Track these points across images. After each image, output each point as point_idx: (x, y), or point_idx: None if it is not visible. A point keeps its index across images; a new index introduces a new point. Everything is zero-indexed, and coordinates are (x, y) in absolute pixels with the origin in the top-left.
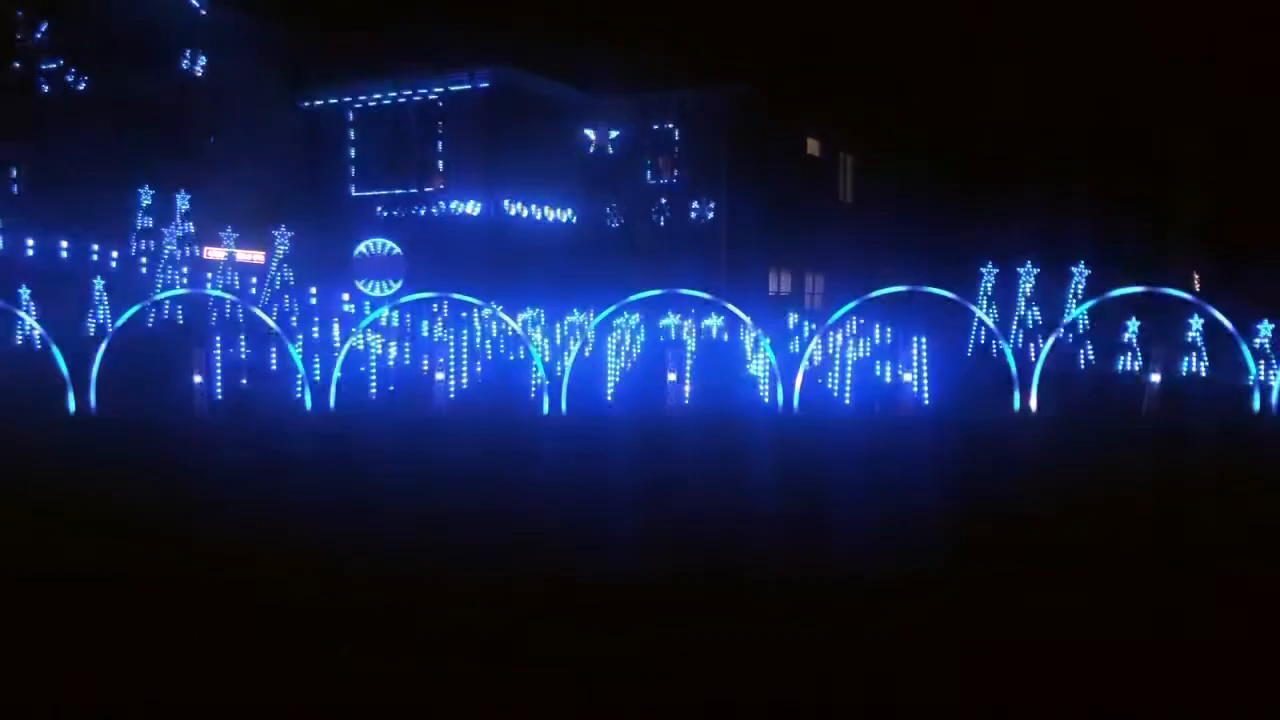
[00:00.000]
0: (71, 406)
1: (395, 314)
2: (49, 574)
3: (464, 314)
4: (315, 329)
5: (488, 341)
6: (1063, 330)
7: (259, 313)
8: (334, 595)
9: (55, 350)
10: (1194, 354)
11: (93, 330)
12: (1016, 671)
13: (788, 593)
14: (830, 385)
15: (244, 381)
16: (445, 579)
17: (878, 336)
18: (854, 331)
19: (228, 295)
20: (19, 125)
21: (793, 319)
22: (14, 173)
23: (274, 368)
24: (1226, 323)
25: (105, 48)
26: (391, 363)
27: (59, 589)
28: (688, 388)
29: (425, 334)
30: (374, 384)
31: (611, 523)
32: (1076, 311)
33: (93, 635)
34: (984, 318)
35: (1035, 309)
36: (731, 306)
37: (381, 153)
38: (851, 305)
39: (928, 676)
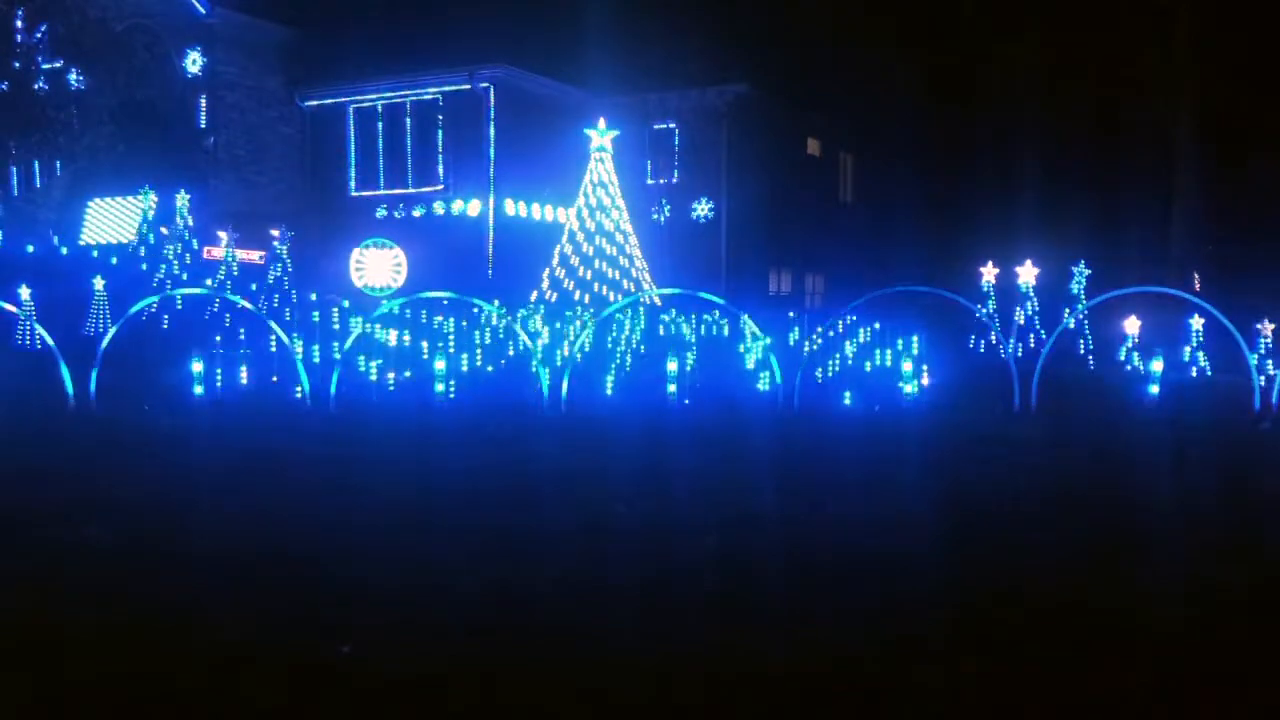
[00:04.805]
0: (70, 405)
1: (394, 312)
2: (50, 576)
3: (467, 321)
4: (314, 327)
5: (487, 330)
6: (1062, 330)
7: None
8: (333, 594)
9: (55, 349)
10: (1194, 354)
11: (93, 330)
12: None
13: (787, 593)
14: (829, 379)
15: (244, 381)
16: (445, 576)
17: (868, 332)
18: (852, 321)
19: (227, 295)
20: (19, 125)
21: (791, 316)
22: (14, 172)
23: (274, 367)
24: (1227, 323)
25: (105, 48)
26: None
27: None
28: (689, 376)
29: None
30: (374, 374)
31: (611, 520)
32: (1076, 311)
33: (93, 637)
34: (984, 317)
35: (1035, 308)
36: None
37: (382, 153)
38: (855, 304)
39: (928, 681)
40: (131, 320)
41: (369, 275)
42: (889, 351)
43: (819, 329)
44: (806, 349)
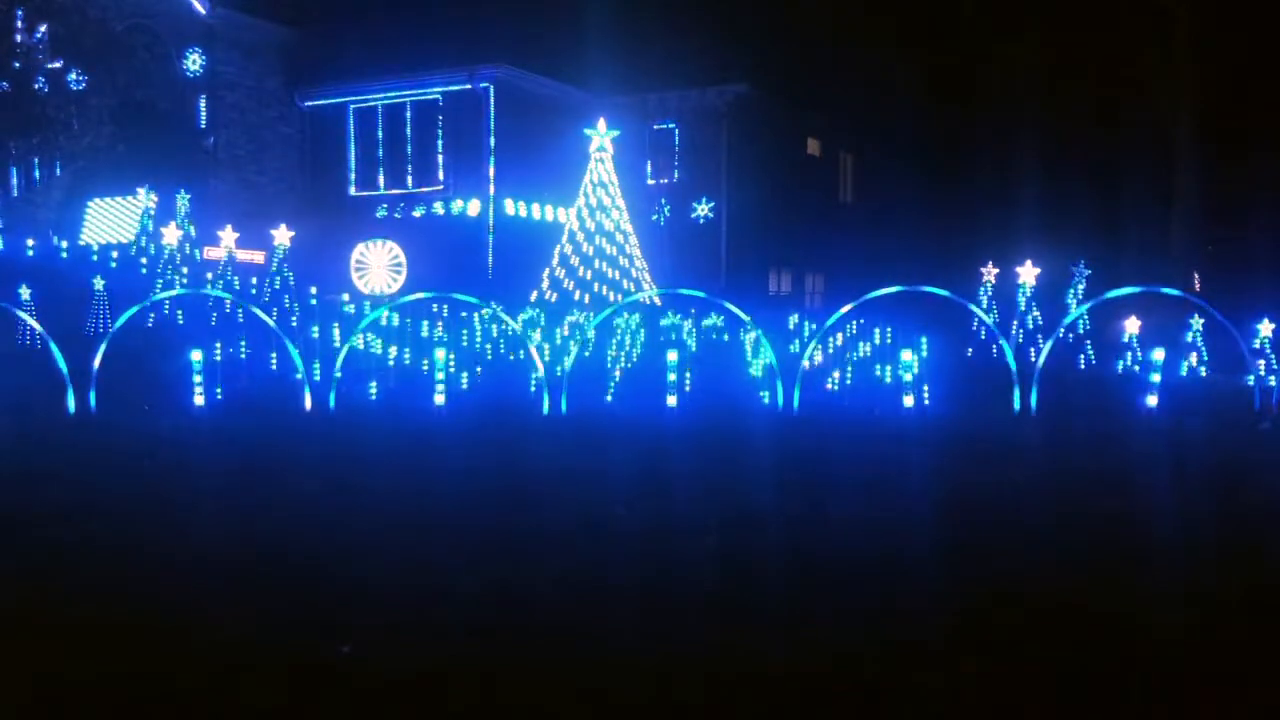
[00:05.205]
0: (71, 407)
1: (395, 315)
2: (50, 575)
3: (463, 314)
4: (315, 330)
5: (488, 345)
6: (1063, 330)
7: (258, 312)
8: (333, 594)
9: (55, 350)
10: (1193, 353)
11: (92, 330)
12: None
13: (787, 593)
14: (830, 386)
15: (244, 382)
16: (445, 576)
17: (877, 338)
18: (853, 332)
19: (227, 295)
20: (19, 125)
21: (793, 320)
22: (14, 172)
23: (274, 368)
24: (1227, 323)
25: (105, 48)
26: (391, 362)
27: (55, 592)
28: (688, 386)
29: (424, 334)
30: (374, 386)
31: (610, 521)
32: (1076, 312)
33: (93, 637)
34: (984, 316)
35: (1035, 309)
36: (731, 306)
37: (382, 153)
38: (850, 306)
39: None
40: (131, 321)
41: (369, 276)
42: (889, 368)
43: (814, 342)
44: (806, 359)
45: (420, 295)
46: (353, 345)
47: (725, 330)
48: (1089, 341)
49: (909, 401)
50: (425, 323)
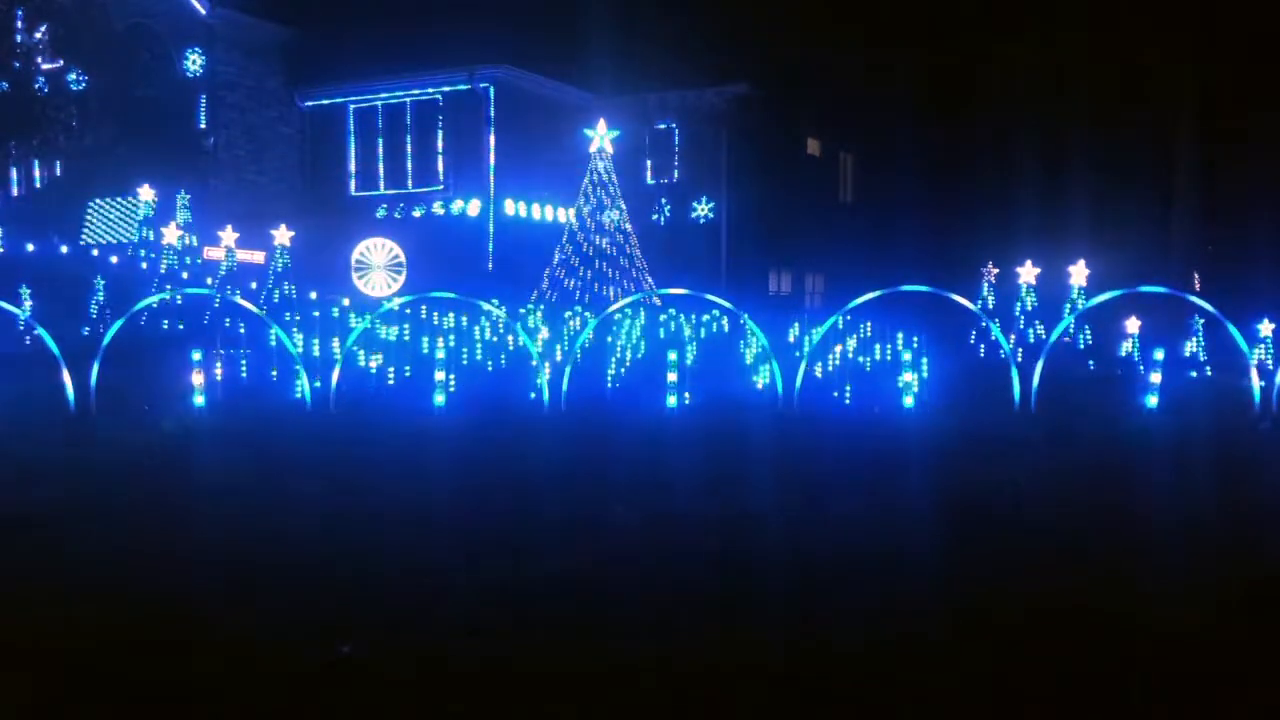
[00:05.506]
0: (71, 407)
1: (392, 329)
2: (50, 576)
3: (464, 319)
4: (316, 344)
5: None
6: (1059, 333)
7: (250, 307)
8: (333, 594)
9: (55, 350)
10: (1193, 353)
11: (92, 330)
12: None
13: (787, 593)
14: (835, 395)
15: (243, 381)
16: (444, 576)
17: (878, 353)
18: (855, 345)
19: (224, 294)
20: (19, 126)
21: (792, 333)
22: (15, 172)
23: (273, 368)
24: (1227, 323)
25: (105, 48)
26: (391, 372)
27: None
28: (687, 396)
29: (424, 334)
30: (375, 379)
31: (610, 519)
32: (1065, 322)
33: (93, 637)
34: (981, 314)
35: (1035, 309)
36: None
37: (382, 153)
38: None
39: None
40: (131, 321)
41: (369, 276)
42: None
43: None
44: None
45: (404, 299)
46: (351, 350)
47: (728, 332)
48: (1089, 344)
49: (909, 401)
50: (425, 339)
